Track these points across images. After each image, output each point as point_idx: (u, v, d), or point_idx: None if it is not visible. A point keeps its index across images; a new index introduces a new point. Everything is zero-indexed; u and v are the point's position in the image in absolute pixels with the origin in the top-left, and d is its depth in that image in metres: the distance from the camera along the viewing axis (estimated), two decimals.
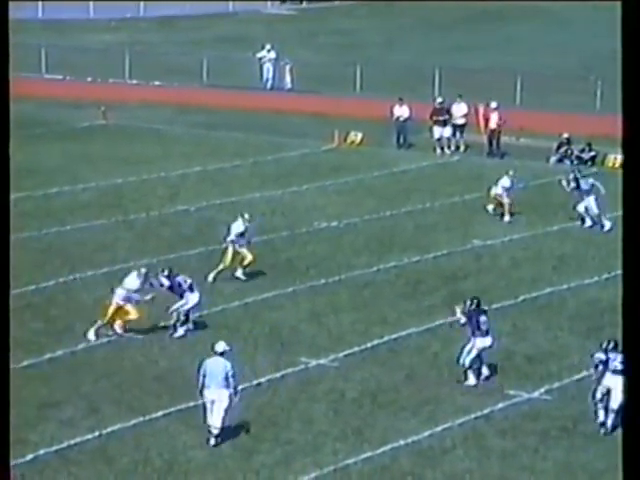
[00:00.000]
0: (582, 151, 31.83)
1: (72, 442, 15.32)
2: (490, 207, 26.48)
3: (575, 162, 31.70)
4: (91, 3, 56.88)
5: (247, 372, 17.47)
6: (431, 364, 18.11)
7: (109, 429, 15.65)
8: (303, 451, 15.25)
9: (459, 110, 32.99)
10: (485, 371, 17.42)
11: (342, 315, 20.16)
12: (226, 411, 15.21)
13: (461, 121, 32.96)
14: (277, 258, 23.08)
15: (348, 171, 30.69)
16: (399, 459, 15.12)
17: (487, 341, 17.25)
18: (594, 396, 16.12)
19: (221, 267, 21.43)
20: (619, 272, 22.60)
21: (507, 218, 26.16)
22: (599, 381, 16.11)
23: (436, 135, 32.90)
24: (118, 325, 18.96)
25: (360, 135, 33.84)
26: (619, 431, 15.88)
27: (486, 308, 17.71)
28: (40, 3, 55.71)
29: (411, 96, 34.15)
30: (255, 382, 17.26)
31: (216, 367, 15.26)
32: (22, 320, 19.15)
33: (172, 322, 19.07)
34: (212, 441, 15.26)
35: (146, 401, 16.50)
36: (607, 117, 34.94)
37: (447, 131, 32.87)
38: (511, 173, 26.51)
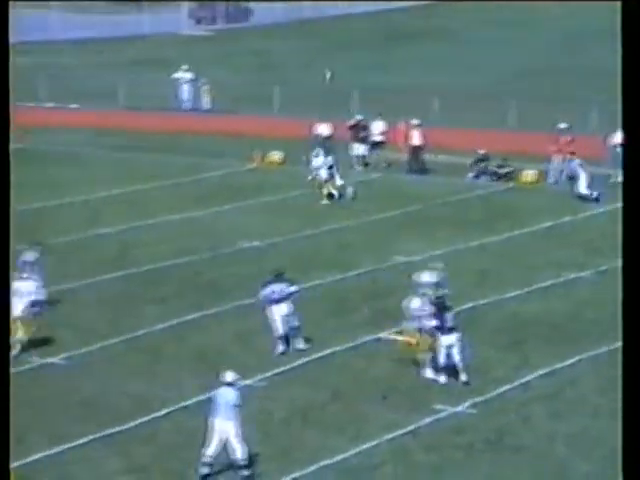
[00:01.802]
0: (498, 167, 32.34)
1: None
2: (325, 200, 28.81)
3: (492, 178, 32.21)
4: None
5: (174, 395, 17.40)
6: (357, 381, 18.21)
7: (33, 457, 15.43)
8: (233, 473, 15.19)
9: (378, 128, 33.35)
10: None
11: (267, 335, 20.16)
12: (239, 439, 14.92)
13: (379, 138, 33.33)
14: (200, 279, 23.01)
15: (269, 190, 30.76)
16: (327, 478, 15.16)
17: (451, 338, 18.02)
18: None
19: None
20: (539, 285, 22.99)
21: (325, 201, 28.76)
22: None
23: (354, 152, 33.19)
24: None
25: (280, 154, 33.94)
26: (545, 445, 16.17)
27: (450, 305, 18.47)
28: None
29: (329, 115, 34.37)
30: (183, 404, 17.17)
31: (223, 397, 15.08)
32: None
33: None
34: (205, 469, 14.95)
35: (71, 428, 16.31)
36: (520, 134, 35.67)
37: (365, 148, 33.19)
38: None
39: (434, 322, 18.05)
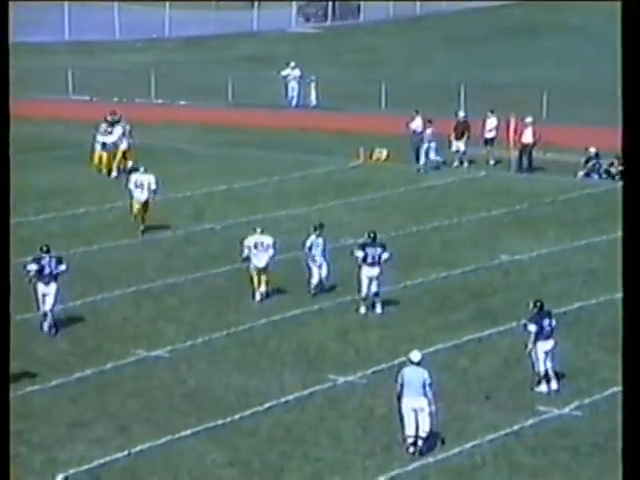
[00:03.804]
0: (610, 165, 31.69)
1: (101, 461, 15.33)
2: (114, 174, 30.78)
3: (604, 176, 31.55)
4: (117, 24, 57.31)
5: (275, 389, 17.47)
6: (459, 380, 18.02)
7: (138, 448, 15.64)
8: (332, 469, 15.19)
9: (490, 124, 33.03)
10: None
11: (369, 332, 20.11)
12: (431, 416, 15.25)
13: (491, 135, 33.02)
14: (303, 275, 23.04)
15: (374, 187, 30.68)
16: (428, 476, 15.04)
17: (549, 344, 17.43)
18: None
19: None
20: None
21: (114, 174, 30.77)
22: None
23: (454, 148, 32.93)
24: None
25: (385, 152, 33.82)
26: None
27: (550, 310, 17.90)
28: (67, 25, 56.16)
29: (436, 112, 34.10)
30: (283, 399, 17.23)
31: (414, 376, 15.34)
32: (51, 340, 19.22)
33: None
34: (411, 449, 15.28)
35: (174, 420, 16.50)
36: None
37: (465, 145, 32.85)
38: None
39: (533, 327, 17.52)
